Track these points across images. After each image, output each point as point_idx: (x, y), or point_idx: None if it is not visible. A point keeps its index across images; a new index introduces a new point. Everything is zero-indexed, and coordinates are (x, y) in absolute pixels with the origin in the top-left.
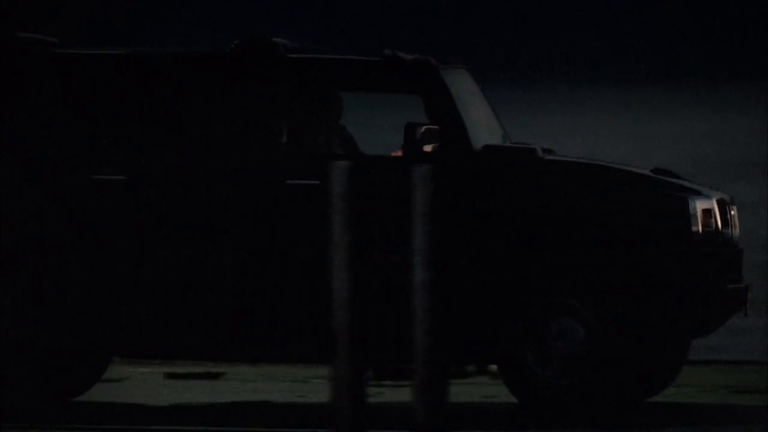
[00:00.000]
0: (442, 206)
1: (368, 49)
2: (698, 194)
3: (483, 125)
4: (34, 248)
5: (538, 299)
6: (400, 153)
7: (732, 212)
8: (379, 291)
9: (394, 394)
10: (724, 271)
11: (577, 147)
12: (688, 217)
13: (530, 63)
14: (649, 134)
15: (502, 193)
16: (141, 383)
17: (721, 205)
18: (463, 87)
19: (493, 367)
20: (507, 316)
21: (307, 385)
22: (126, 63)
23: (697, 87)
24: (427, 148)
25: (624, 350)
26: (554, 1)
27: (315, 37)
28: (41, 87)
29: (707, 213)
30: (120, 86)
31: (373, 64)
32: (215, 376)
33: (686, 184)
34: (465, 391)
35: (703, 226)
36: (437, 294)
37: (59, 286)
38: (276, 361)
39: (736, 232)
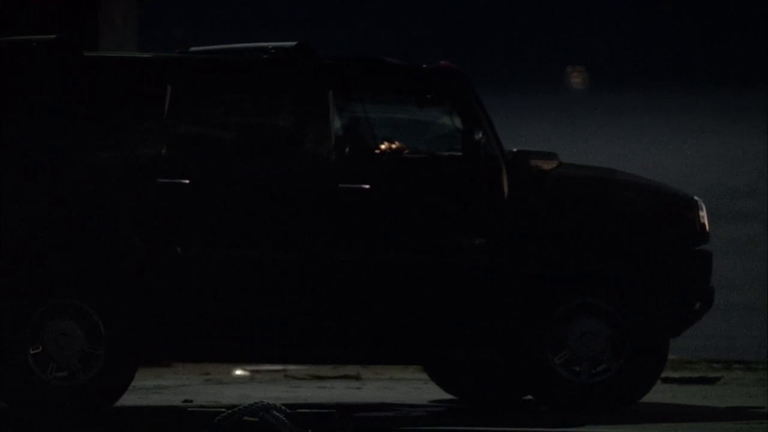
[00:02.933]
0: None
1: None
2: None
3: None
4: (96, 251)
5: (564, 299)
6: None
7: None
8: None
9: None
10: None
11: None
12: (700, 218)
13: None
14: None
15: (532, 196)
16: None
17: None
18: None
19: None
20: (531, 315)
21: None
22: (179, 66)
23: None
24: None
25: (650, 349)
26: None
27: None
28: (87, 92)
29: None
30: (176, 90)
31: (406, 70)
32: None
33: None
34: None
35: (705, 226)
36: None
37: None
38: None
39: None
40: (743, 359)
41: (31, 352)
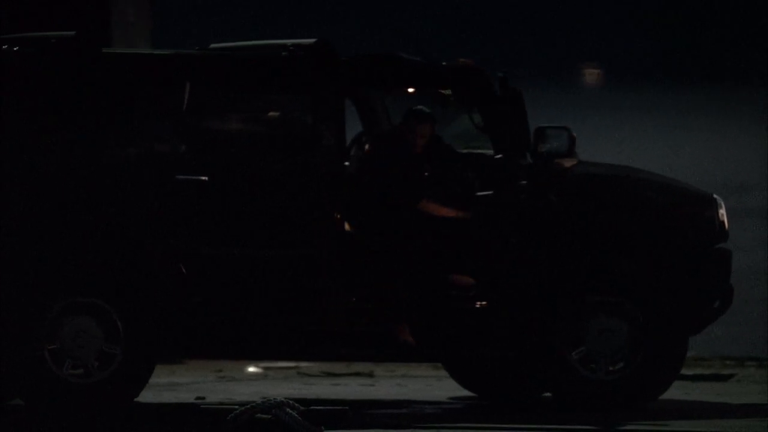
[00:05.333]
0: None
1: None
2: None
3: None
4: (114, 249)
5: (583, 296)
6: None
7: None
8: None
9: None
10: None
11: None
12: (720, 216)
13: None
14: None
15: (552, 194)
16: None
17: None
18: None
19: None
20: (550, 312)
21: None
22: (198, 63)
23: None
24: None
25: (670, 347)
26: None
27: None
28: (106, 90)
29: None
30: (195, 86)
31: (426, 68)
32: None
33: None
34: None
35: (724, 224)
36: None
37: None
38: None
39: None
40: (756, 356)
41: (48, 348)
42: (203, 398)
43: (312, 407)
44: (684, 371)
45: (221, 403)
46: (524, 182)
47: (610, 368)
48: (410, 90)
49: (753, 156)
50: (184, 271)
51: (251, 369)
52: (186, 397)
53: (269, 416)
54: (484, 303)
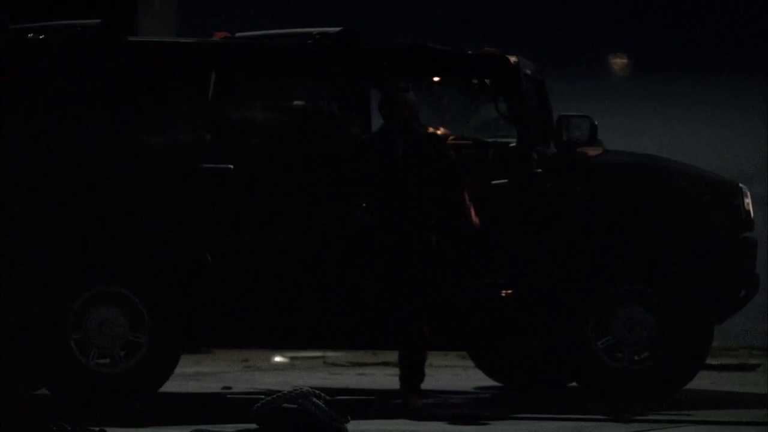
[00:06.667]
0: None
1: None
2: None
3: None
4: (140, 238)
5: (609, 286)
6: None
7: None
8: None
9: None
10: None
11: None
12: (745, 205)
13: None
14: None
15: (578, 183)
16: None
17: None
18: None
19: None
20: (576, 301)
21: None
22: (223, 51)
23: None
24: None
25: (696, 336)
26: None
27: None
28: (131, 78)
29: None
30: (220, 75)
31: (452, 56)
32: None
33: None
34: None
35: (750, 213)
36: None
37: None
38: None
39: None
40: None
41: (74, 338)
42: (229, 388)
43: (338, 397)
44: (709, 361)
45: (247, 393)
46: (539, 170)
47: (636, 358)
48: (436, 79)
49: (752, 145)
50: (209, 259)
51: (277, 359)
52: (212, 386)
53: (295, 406)
54: (510, 292)
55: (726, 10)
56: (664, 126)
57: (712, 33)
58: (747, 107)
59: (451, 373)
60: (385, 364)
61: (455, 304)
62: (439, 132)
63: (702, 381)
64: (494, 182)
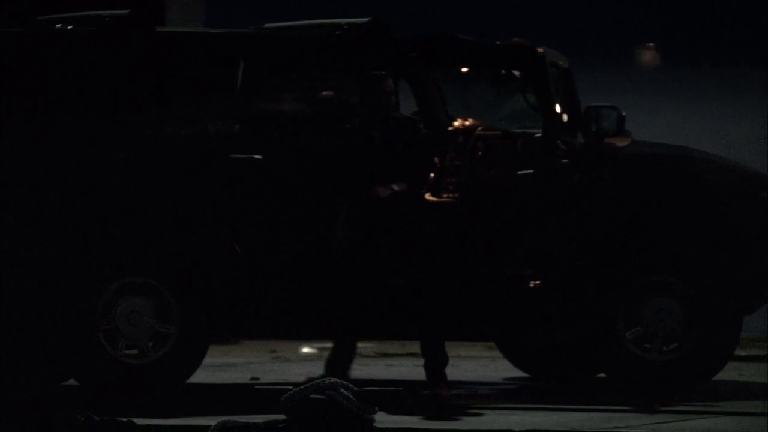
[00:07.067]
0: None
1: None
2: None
3: None
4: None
5: (638, 277)
6: None
7: None
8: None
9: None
10: None
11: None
12: None
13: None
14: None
15: (606, 174)
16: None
17: None
18: None
19: None
20: (605, 292)
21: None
22: (252, 42)
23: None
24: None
25: (724, 327)
26: None
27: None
28: (159, 68)
29: None
30: (249, 65)
31: (480, 47)
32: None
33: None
34: None
35: None
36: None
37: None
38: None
39: None
40: None
41: (103, 329)
42: (257, 379)
43: (366, 387)
44: (738, 352)
45: (275, 384)
46: (566, 161)
47: (664, 348)
48: (464, 69)
49: (750, 135)
50: (238, 250)
51: (305, 349)
52: (240, 377)
53: (324, 397)
54: (538, 283)
55: (756, 2)
56: (690, 118)
57: (742, 26)
58: (740, 95)
59: (479, 364)
60: (413, 355)
61: (483, 295)
62: (467, 123)
63: (730, 372)
64: (521, 173)
